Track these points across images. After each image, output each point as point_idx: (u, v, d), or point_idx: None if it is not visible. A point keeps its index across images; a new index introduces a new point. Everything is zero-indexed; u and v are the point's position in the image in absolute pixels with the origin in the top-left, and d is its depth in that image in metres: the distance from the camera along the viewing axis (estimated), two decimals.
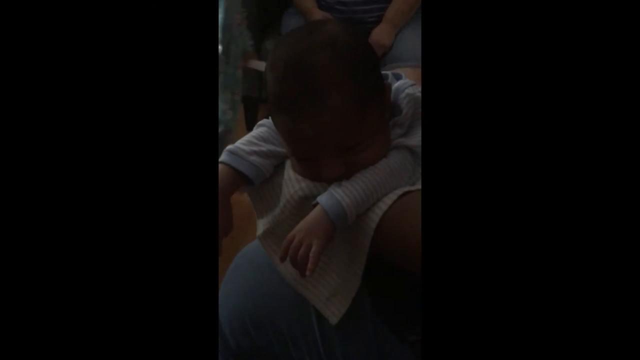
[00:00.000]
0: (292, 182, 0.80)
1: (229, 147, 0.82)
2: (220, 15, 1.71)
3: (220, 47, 1.72)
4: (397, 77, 0.84)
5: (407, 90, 0.80)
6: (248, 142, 0.83)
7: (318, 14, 2.12)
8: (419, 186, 0.77)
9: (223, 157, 0.82)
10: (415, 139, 0.78)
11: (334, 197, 0.74)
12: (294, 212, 0.80)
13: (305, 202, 0.78)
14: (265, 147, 0.82)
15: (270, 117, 0.82)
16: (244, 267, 0.96)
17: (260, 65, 1.96)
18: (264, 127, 0.85)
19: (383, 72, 0.82)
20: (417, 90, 0.80)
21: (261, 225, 0.86)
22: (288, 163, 0.82)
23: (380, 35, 2.10)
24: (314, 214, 0.75)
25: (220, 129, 1.70)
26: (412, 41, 2.10)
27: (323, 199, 0.75)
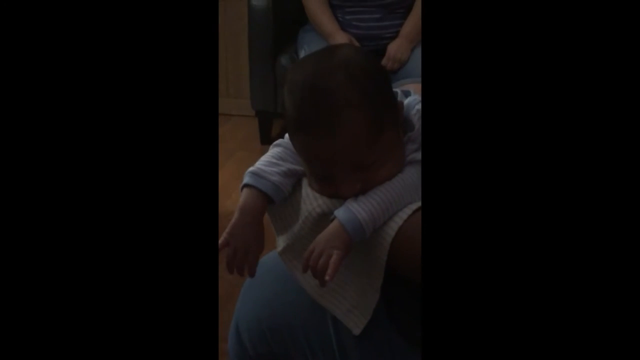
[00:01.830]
0: (310, 199, 0.81)
1: (251, 169, 0.83)
2: None
3: None
4: (406, 94, 0.85)
5: (417, 107, 0.81)
6: (269, 163, 0.84)
7: (341, 36, 2.15)
8: None
9: (248, 180, 0.83)
10: None
11: (350, 211, 0.75)
12: (313, 228, 0.81)
13: (324, 219, 0.79)
14: (285, 167, 0.83)
15: (286, 136, 0.84)
16: (262, 277, 0.94)
17: None
18: (280, 147, 0.86)
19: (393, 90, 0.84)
20: None
21: (281, 242, 0.87)
22: (305, 181, 0.83)
23: (396, 50, 2.13)
24: (331, 227, 0.76)
25: None
26: None
27: (340, 213, 0.76)
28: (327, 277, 0.74)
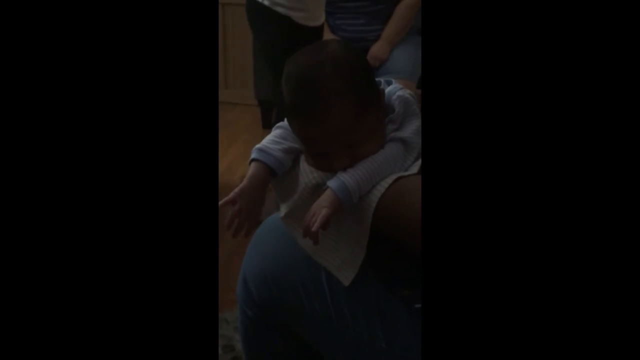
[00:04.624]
0: (307, 173, 0.84)
1: (258, 146, 0.86)
2: None
3: None
4: (388, 83, 0.88)
5: (398, 93, 0.84)
6: (272, 141, 0.87)
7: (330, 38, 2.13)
8: (411, 172, 0.80)
9: (255, 155, 0.85)
10: (407, 132, 0.82)
11: (340, 179, 0.78)
12: (309, 197, 0.83)
13: (318, 188, 0.82)
14: (286, 145, 0.86)
15: (285, 119, 0.86)
16: (266, 235, 0.99)
17: None
18: (281, 128, 0.88)
19: (377, 79, 0.86)
20: (406, 93, 0.85)
21: (283, 209, 0.89)
22: (302, 157, 0.86)
23: (378, 50, 2.17)
24: (325, 194, 0.79)
25: None
26: (403, 56, 2.15)
27: (332, 182, 0.79)
28: (314, 228, 0.75)
